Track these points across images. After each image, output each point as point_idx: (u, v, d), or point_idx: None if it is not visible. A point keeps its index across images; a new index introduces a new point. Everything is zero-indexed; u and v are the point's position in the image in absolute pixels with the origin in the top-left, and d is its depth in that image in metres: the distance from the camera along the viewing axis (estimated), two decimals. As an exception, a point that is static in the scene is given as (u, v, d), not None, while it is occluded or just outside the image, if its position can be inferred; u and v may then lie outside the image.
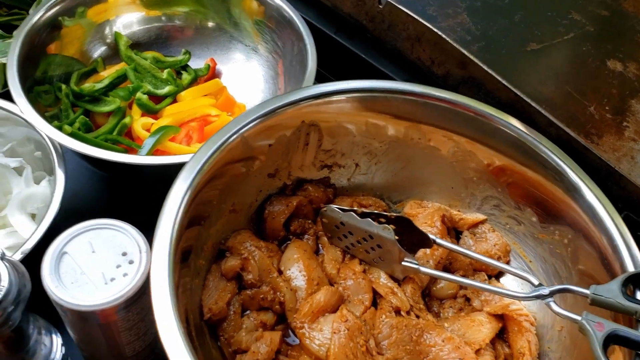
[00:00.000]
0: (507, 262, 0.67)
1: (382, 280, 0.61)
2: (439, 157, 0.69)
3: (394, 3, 0.74)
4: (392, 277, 0.62)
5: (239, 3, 0.79)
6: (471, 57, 0.70)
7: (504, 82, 0.69)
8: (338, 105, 0.65)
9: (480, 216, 0.69)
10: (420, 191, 0.72)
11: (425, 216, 0.66)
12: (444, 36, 0.71)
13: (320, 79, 0.85)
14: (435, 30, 0.72)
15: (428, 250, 0.63)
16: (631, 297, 0.50)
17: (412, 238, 0.61)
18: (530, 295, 0.54)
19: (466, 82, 0.72)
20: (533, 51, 0.80)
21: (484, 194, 0.68)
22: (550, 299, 0.53)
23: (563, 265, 0.62)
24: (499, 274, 0.67)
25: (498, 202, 0.68)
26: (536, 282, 0.54)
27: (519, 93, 0.68)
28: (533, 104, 0.68)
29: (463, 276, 0.64)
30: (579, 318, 0.49)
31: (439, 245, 0.60)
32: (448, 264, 0.65)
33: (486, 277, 0.65)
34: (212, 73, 0.83)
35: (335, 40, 0.84)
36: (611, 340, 0.48)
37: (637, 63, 0.80)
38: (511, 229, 0.67)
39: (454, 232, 0.70)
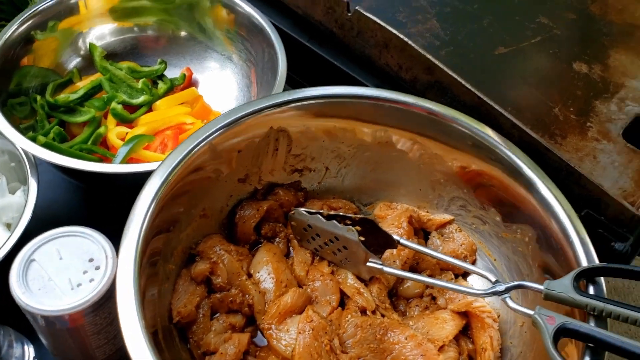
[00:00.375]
0: (474, 261, 0.68)
1: (349, 281, 0.62)
2: (406, 160, 0.71)
3: (361, 11, 0.76)
4: (360, 278, 0.63)
5: (208, 12, 0.81)
6: (437, 62, 0.72)
7: (468, 86, 0.71)
8: (304, 111, 0.66)
9: (448, 217, 0.70)
10: (389, 193, 0.73)
11: (394, 217, 0.68)
12: (410, 42, 0.73)
13: (294, 85, 0.86)
14: (402, 36, 0.74)
15: (395, 251, 0.65)
16: (582, 291, 0.52)
17: (378, 239, 0.63)
18: (487, 291, 0.55)
19: (433, 86, 0.74)
20: (501, 55, 0.82)
21: (450, 195, 0.70)
22: (506, 295, 0.54)
23: (525, 263, 0.63)
24: (465, 273, 0.69)
25: (464, 203, 0.70)
26: (493, 279, 0.56)
27: (482, 96, 0.70)
28: (496, 107, 0.69)
29: (430, 275, 0.66)
30: (532, 312, 0.51)
31: (403, 245, 0.62)
32: (415, 264, 0.67)
33: (453, 276, 0.67)
34: (189, 82, 0.85)
35: (308, 47, 0.86)
36: (562, 333, 0.49)
37: (603, 65, 0.82)
38: (477, 229, 0.69)
39: (423, 232, 0.72)
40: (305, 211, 0.63)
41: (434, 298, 0.64)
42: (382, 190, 0.74)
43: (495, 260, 0.67)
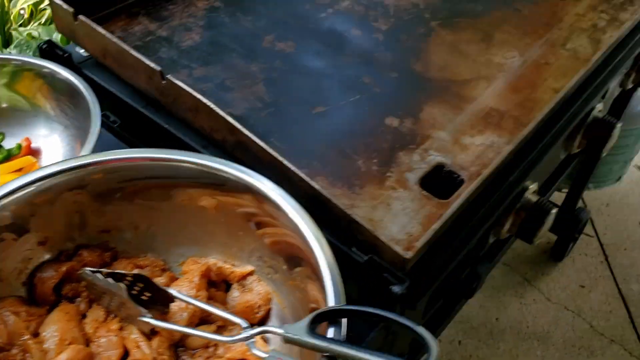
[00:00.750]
0: (268, 310, 0.71)
1: (133, 335, 0.65)
2: (209, 216, 0.74)
3: (172, 79, 0.81)
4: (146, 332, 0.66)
5: (18, 82, 0.85)
6: (234, 123, 0.77)
7: (261, 144, 0.75)
8: (100, 175, 0.70)
9: (249, 267, 0.74)
10: (200, 249, 0.77)
11: (190, 273, 0.71)
12: (211, 106, 0.78)
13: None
14: (205, 101, 0.79)
15: (183, 304, 0.68)
16: (316, 334, 0.55)
17: (160, 294, 0.66)
18: (235, 338, 0.58)
19: (237, 146, 0.79)
20: (318, 114, 0.88)
21: (250, 247, 0.74)
22: (251, 340, 0.57)
23: (302, 309, 0.67)
24: (263, 320, 0.71)
25: (261, 254, 0.73)
26: (244, 325, 0.59)
27: (273, 153, 0.75)
28: (285, 162, 0.74)
29: (221, 326, 0.69)
30: (265, 356, 0.54)
31: (179, 299, 0.65)
32: (207, 316, 0.69)
33: (248, 324, 0.69)
34: (26, 151, 0.89)
35: (144, 114, 0.91)
36: (285, 374, 0.52)
37: (414, 119, 0.88)
38: (271, 278, 0.72)
39: (226, 284, 0.75)
40: (90, 270, 0.66)
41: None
42: (193, 246, 0.77)
43: (284, 308, 0.70)
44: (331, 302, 0.58)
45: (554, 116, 0.93)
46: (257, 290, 0.72)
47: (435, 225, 0.71)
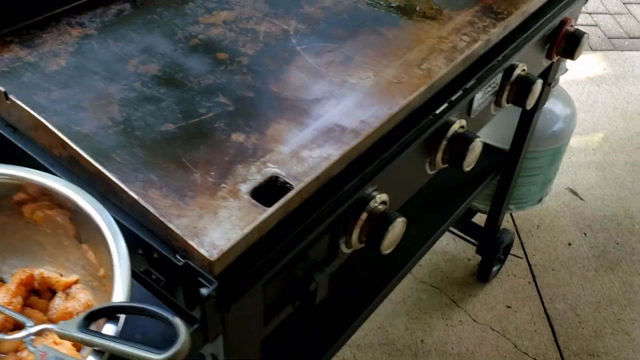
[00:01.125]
0: (88, 317, 0.74)
1: (-60, 341, 0.67)
2: (37, 229, 0.77)
3: (13, 99, 0.85)
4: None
5: None
6: (64, 138, 0.81)
7: (86, 157, 0.79)
8: None
9: (74, 277, 0.77)
10: (32, 259, 0.80)
11: (12, 281, 0.74)
12: (44, 122, 0.82)
13: None
14: (39, 118, 0.83)
15: (-2, 311, 0.70)
16: (86, 330, 0.58)
17: (-31, 300, 0.68)
18: (18, 336, 0.61)
19: (71, 161, 0.82)
20: (166, 131, 0.91)
21: (74, 257, 0.77)
22: (29, 338, 0.60)
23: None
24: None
25: (83, 263, 0.76)
26: (29, 324, 0.62)
27: (97, 166, 0.78)
28: (107, 174, 0.77)
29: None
30: (33, 349, 0.57)
31: (-15, 305, 0.68)
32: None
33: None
34: None
35: (2, 134, 0.94)
36: (49, 366, 0.55)
37: (260, 134, 0.92)
38: (92, 286, 0.75)
39: (52, 292, 0.77)
40: None
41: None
42: (25, 257, 0.80)
43: (99, 313, 0.73)
44: (116, 300, 0.61)
45: (399, 131, 0.98)
46: (79, 297, 0.74)
47: (246, 230, 0.75)
